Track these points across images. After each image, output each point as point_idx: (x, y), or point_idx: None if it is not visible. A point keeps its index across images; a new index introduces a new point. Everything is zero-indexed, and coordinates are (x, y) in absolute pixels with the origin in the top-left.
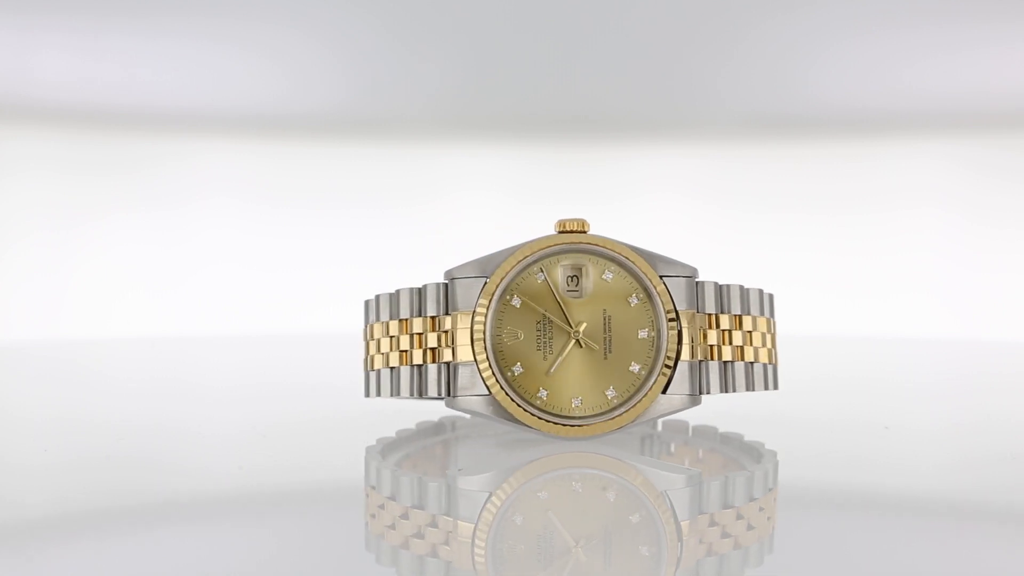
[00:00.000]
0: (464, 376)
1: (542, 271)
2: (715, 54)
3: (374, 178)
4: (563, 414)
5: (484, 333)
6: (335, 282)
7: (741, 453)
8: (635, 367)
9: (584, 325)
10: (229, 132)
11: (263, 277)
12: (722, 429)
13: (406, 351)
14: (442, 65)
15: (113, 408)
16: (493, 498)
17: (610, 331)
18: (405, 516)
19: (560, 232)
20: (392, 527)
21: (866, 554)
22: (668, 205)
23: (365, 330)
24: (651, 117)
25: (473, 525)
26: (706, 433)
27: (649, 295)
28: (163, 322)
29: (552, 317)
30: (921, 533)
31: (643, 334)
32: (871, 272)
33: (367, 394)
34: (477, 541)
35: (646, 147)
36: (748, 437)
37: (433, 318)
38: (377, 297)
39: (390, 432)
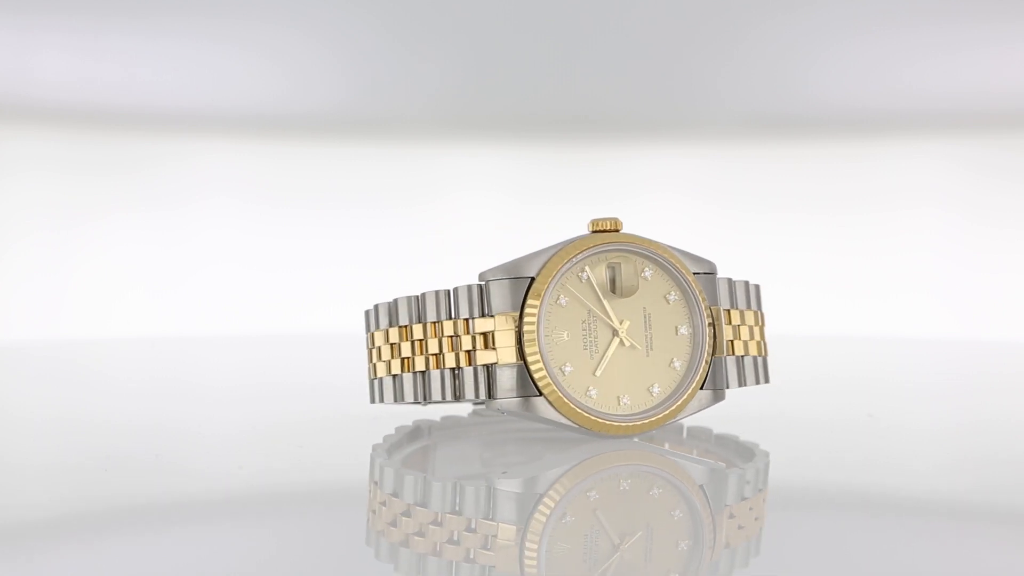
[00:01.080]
0: (507, 378)
1: (586, 270)
2: (715, 54)
3: (374, 178)
4: (612, 412)
5: (536, 333)
6: (335, 282)
7: (735, 455)
8: (677, 364)
9: (627, 323)
10: (229, 132)
11: (263, 277)
12: (722, 429)
13: (436, 354)
14: (442, 65)
15: (113, 408)
16: (546, 500)
17: (651, 328)
18: (437, 522)
19: (594, 232)
20: (421, 533)
21: (864, 554)
22: (668, 205)
23: (372, 336)
24: (651, 117)
25: (521, 528)
26: (700, 435)
27: (685, 292)
28: (163, 322)
29: (601, 316)
30: (920, 533)
31: (683, 331)
32: (871, 272)
33: (379, 400)
34: (528, 544)
35: (646, 147)
36: (749, 437)
37: (466, 320)
38: (395, 301)
39: (390, 431)
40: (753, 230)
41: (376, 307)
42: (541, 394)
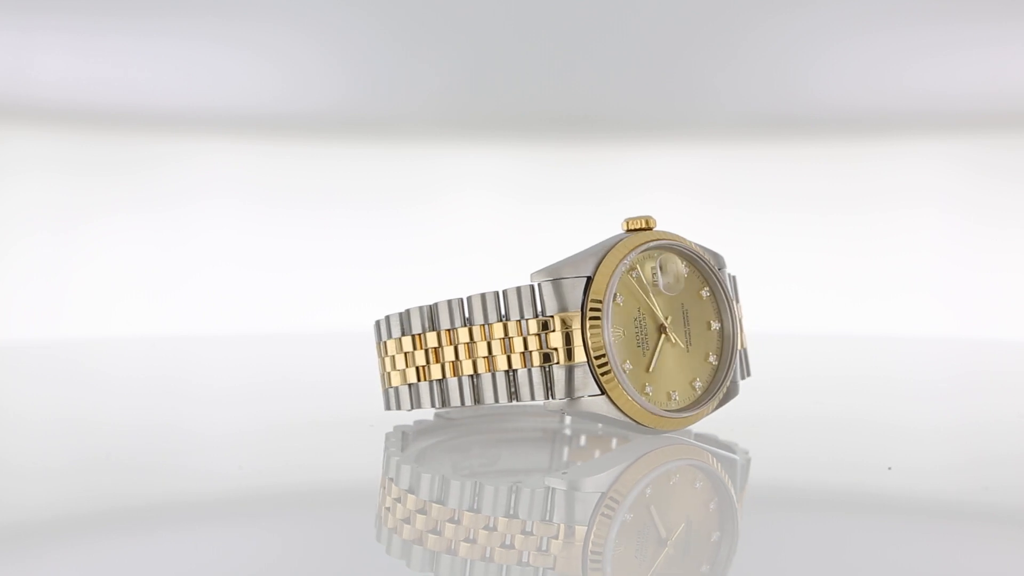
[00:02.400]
0: (570, 377)
1: (636, 268)
2: (715, 54)
3: (374, 178)
4: (665, 408)
5: (602, 332)
6: (335, 282)
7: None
8: (712, 358)
9: (670, 319)
10: (229, 132)
11: (263, 277)
12: (723, 429)
13: (486, 357)
14: (442, 65)
15: (113, 408)
16: (608, 500)
17: (688, 324)
18: (491, 526)
19: (628, 231)
20: (471, 540)
21: (862, 554)
22: (668, 205)
23: (399, 341)
24: (651, 117)
25: (586, 528)
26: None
27: (715, 288)
28: (163, 322)
29: (650, 313)
30: (920, 533)
31: (715, 326)
32: (871, 272)
33: (412, 407)
34: (592, 545)
35: (646, 147)
36: (748, 437)
37: (518, 321)
38: (435, 305)
39: (390, 430)
40: (753, 230)
41: (407, 312)
42: (603, 392)
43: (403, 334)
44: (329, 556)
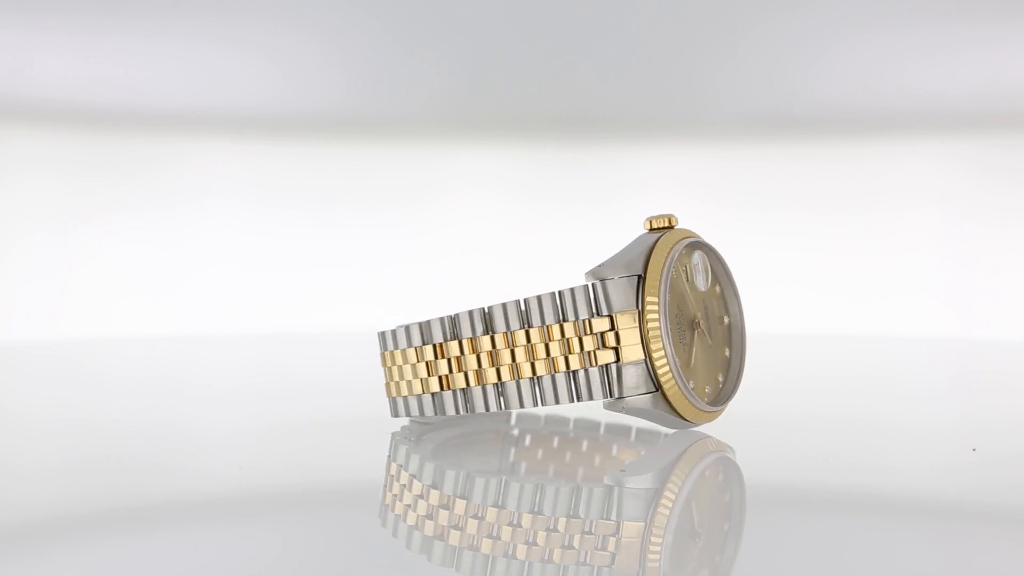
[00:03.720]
0: (632, 375)
1: (680, 266)
2: (715, 54)
3: (374, 178)
4: (703, 402)
5: (660, 329)
6: (335, 282)
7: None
8: (727, 352)
9: (699, 314)
10: (229, 132)
11: (263, 277)
12: (724, 429)
13: (547, 359)
14: (442, 65)
15: (113, 408)
16: (664, 496)
17: (708, 319)
18: (554, 528)
19: (652, 229)
20: (534, 543)
21: (861, 554)
22: (668, 205)
23: (442, 347)
24: (651, 117)
25: (644, 524)
26: (648, 438)
27: (724, 283)
28: (163, 322)
29: (687, 309)
30: (920, 533)
31: (726, 320)
32: (871, 272)
33: (464, 411)
34: (651, 540)
35: (646, 147)
36: (747, 436)
37: (584, 321)
38: (489, 308)
39: (390, 431)
40: (753, 230)
41: (456, 316)
42: (658, 389)
43: (450, 338)
44: (329, 556)
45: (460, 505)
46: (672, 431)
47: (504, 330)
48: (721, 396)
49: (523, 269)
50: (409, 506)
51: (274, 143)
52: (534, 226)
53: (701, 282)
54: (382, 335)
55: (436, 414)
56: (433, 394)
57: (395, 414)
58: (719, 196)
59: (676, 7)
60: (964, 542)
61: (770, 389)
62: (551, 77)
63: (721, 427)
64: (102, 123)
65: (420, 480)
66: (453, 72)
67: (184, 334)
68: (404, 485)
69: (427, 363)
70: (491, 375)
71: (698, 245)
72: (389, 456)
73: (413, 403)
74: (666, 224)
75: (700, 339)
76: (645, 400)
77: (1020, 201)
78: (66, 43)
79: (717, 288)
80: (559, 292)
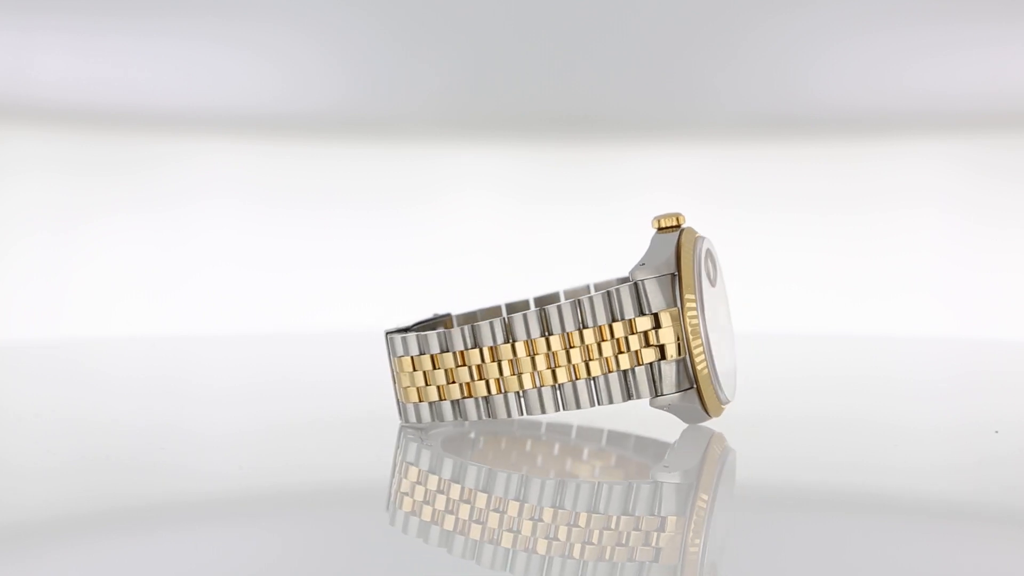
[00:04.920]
0: (672, 373)
1: (704, 263)
2: (715, 54)
3: (374, 178)
4: (723, 395)
5: (700, 327)
6: (335, 282)
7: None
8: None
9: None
10: (229, 132)
11: (263, 277)
12: (726, 429)
13: (603, 358)
14: (442, 65)
15: (113, 408)
16: (700, 492)
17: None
18: (610, 526)
19: (662, 228)
20: (591, 541)
21: (862, 554)
22: (668, 205)
23: (491, 351)
24: (651, 117)
25: (684, 519)
26: (619, 441)
27: (722, 281)
28: (163, 322)
29: (707, 304)
30: (921, 535)
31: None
32: (871, 272)
33: (522, 413)
34: (691, 535)
35: (646, 147)
36: (747, 436)
37: (630, 320)
38: (544, 309)
39: (393, 431)
40: (753, 230)
41: (509, 319)
42: (693, 386)
43: (507, 341)
44: (330, 555)
45: (512, 507)
46: (681, 425)
47: (561, 331)
48: (734, 387)
49: (523, 269)
50: (426, 503)
51: (274, 143)
52: (534, 226)
53: (714, 279)
54: (447, 334)
55: (490, 417)
56: (484, 398)
57: (424, 419)
58: (719, 196)
59: (676, 7)
60: (965, 543)
61: (770, 389)
62: (551, 77)
63: (721, 427)
64: (102, 123)
65: (438, 475)
66: (453, 72)
67: (184, 334)
68: (420, 484)
69: (476, 366)
70: (548, 377)
71: (705, 242)
72: (398, 451)
73: (450, 408)
74: (675, 223)
75: (717, 333)
76: (676, 398)
77: (1020, 201)
78: (66, 43)
79: (719, 285)
80: (608, 293)
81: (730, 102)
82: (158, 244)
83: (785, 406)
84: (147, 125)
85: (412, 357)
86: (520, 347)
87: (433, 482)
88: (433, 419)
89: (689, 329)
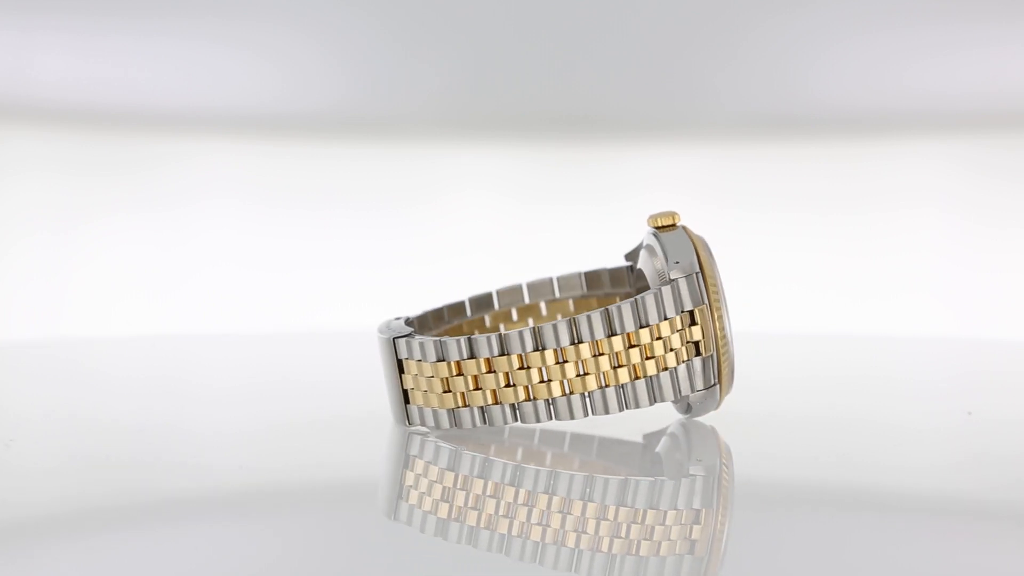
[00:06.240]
0: (702, 370)
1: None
2: (715, 54)
3: (374, 178)
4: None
5: (725, 323)
6: (335, 282)
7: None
8: None
9: None
10: (229, 132)
11: (263, 277)
12: (727, 427)
13: (655, 358)
14: (442, 65)
15: (113, 408)
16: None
17: None
18: (638, 520)
19: (660, 227)
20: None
21: (862, 553)
22: (668, 205)
23: (557, 352)
24: (651, 117)
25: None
26: (582, 444)
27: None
28: (163, 322)
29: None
30: (920, 533)
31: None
32: (871, 272)
33: (600, 412)
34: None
35: (646, 147)
36: (747, 436)
37: (669, 320)
38: (609, 310)
39: (400, 431)
40: (753, 230)
41: (575, 319)
42: (717, 383)
43: (576, 342)
44: (330, 554)
45: (542, 500)
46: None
47: (622, 331)
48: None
49: (523, 269)
50: (438, 499)
51: (274, 143)
52: (534, 226)
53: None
54: (471, 341)
55: (559, 419)
56: (549, 400)
57: (464, 425)
58: (719, 196)
59: (676, 7)
60: (965, 543)
61: (770, 389)
62: (551, 77)
63: (721, 427)
64: (102, 123)
65: (451, 471)
66: (453, 72)
67: (184, 334)
68: (431, 480)
69: (545, 368)
70: (623, 375)
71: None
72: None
73: (499, 413)
74: (671, 222)
75: None
76: (702, 395)
77: (1020, 201)
78: (66, 43)
79: None
80: (654, 294)
81: (730, 102)
82: (158, 244)
83: (785, 406)
84: (147, 125)
85: (442, 363)
86: (584, 349)
87: (450, 479)
88: (451, 425)
89: (718, 327)
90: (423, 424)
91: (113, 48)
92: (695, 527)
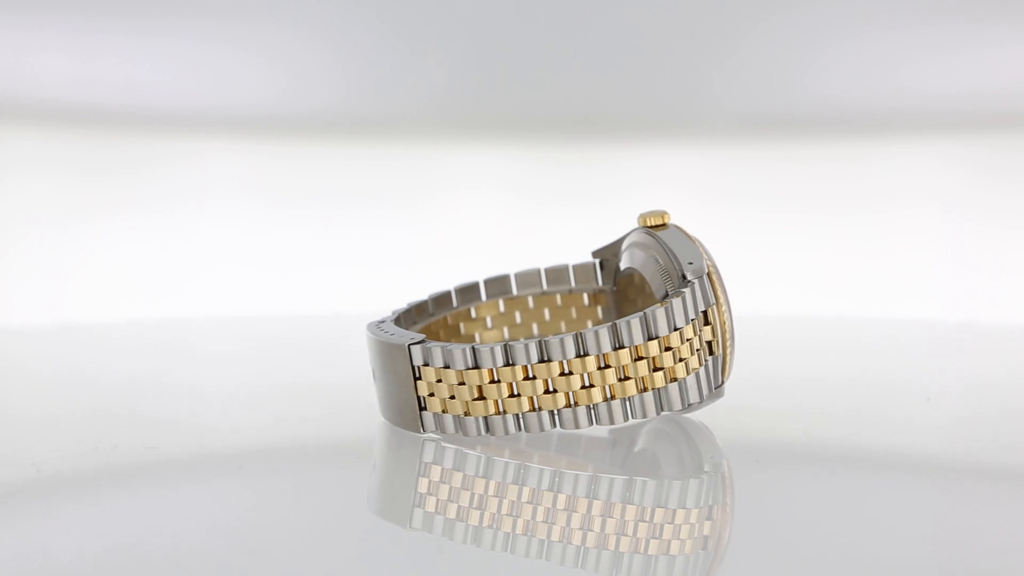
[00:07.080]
0: (710, 369)
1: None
2: (714, 54)
3: (374, 178)
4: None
5: (731, 322)
6: (335, 282)
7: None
8: None
9: None
10: (229, 132)
11: (263, 277)
12: (728, 427)
13: (691, 354)
14: (442, 65)
15: (113, 407)
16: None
17: None
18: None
19: (653, 226)
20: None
21: (861, 555)
22: (668, 205)
23: (611, 355)
24: (651, 117)
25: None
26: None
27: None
28: (163, 322)
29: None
30: (926, 524)
31: None
32: (871, 272)
33: (629, 418)
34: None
35: (646, 147)
36: (745, 431)
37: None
38: (652, 311)
39: (399, 430)
40: (753, 230)
41: (616, 324)
42: (723, 381)
43: (618, 347)
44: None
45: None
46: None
47: (681, 325)
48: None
49: (523, 269)
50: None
51: (274, 143)
52: (534, 226)
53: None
54: (508, 347)
55: (594, 424)
56: (593, 406)
57: (495, 432)
58: (719, 196)
59: (676, 7)
60: (964, 543)
61: (770, 389)
62: (552, 77)
63: (721, 427)
64: (102, 123)
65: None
66: (454, 72)
67: (184, 334)
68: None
69: (587, 374)
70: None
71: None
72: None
73: (535, 419)
74: (660, 222)
75: None
76: (707, 394)
77: (1020, 201)
78: (66, 43)
79: None
80: (681, 297)
81: (730, 102)
82: (158, 244)
83: (785, 406)
84: (147, 125)
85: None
86: (624, 355)
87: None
88: (457, 431)
89: (725, 326)
90: (441, 431)
91: (113, 48)
92: (707, 523)
